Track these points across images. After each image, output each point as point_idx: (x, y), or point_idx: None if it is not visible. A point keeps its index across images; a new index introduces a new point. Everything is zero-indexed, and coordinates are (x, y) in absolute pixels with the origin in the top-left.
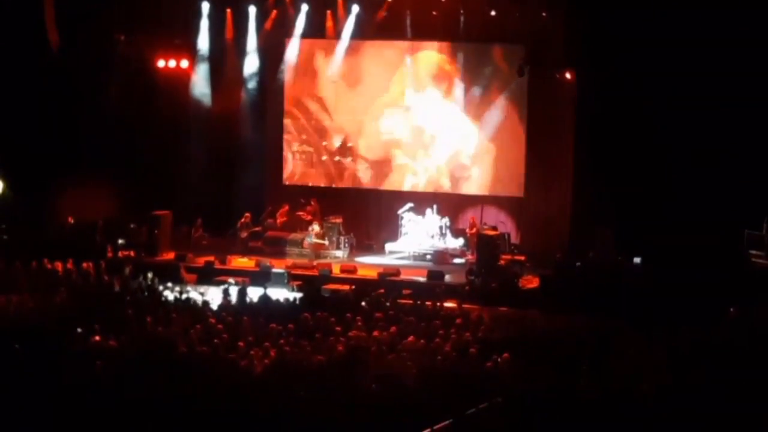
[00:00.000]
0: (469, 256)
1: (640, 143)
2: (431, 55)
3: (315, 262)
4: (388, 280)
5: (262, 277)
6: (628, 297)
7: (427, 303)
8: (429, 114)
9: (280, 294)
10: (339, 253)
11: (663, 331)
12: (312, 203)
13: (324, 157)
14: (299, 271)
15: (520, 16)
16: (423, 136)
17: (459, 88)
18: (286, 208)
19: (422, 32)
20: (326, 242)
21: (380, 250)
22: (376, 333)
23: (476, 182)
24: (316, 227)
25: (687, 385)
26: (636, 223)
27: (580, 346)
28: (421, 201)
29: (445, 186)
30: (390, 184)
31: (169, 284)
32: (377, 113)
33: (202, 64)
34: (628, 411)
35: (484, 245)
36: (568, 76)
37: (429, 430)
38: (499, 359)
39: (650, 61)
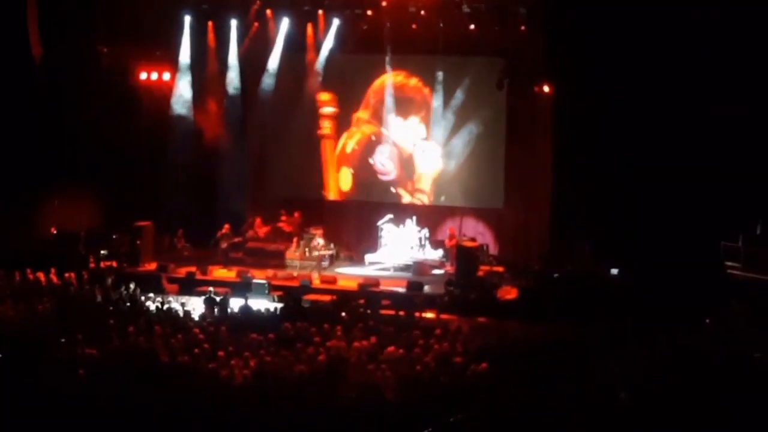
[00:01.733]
0: (448, 267)
1: (618, 156)
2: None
3: (295, 273)
4: (368, 290)
5: (243, 288)
6: (606, 307)
7: (407, 313)
8: (410, 135)
9: (261, 304)
10: (311, 263)
11: (640, 340)
12: (295, 215)
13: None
14: (280, 282)
15: (500, 30)
16: (413, 165)
17: (438, 101)
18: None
19: (402, 46)
20: (333, 251)
21: (360, 261)
22: (355, 343)
23: (455, 194)
24: (319, 239)
25: (664, 393)
26: (614, 234)
27: (559, 356)
28: (400, 212)
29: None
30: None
31: (151, 294)
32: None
33: (184, 75)
34: (606, 419)
35: (463, 256)
36: (546, 89)
37: None
38: (477, 369)
39: (628, 75)
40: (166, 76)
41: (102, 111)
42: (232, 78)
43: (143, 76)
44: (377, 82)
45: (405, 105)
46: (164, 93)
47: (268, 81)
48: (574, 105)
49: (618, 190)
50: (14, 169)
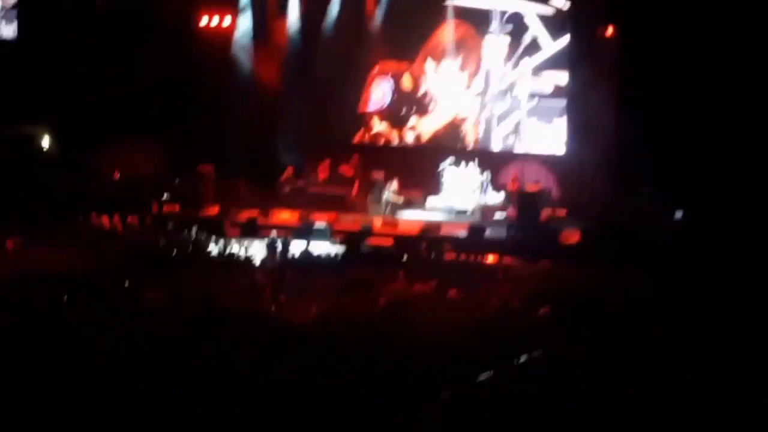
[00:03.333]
0: (510, 211)
1: (684, 98)
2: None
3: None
4: (430, 234)
5: (304, 232)
6: (670, 250)
7: (468, 257)
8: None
9: (322, 248)
10: (380, 208)
11: (704, 283)
12: (354, 158)
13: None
14: (342, 226)
15: None
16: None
17: (501, 47)
18: (328, 163)
19: None
20: (403, 200)
21: (421, 205)
22: (417, 287)
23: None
24: (394, 184)
25: (727, 334)
26: (678, 178)
27: (621, 299)
28: (462, 156)
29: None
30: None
31: (213, 238)
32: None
33: (245, 19)
34: (667, 361)
35: (526, 200)
36: (610, 31)
37: (469, 383)
38: (539, 313)
39: (695, 14)
40: (227, 20)
41: (164, 56)
42: (293, 20)
43: (204, 20)
44: (435, 36)
45: (453, 52)
46: (225, 37)
47: (329, 23)
48: (639, 47)
49: (683, 132)
50: (77, 114)
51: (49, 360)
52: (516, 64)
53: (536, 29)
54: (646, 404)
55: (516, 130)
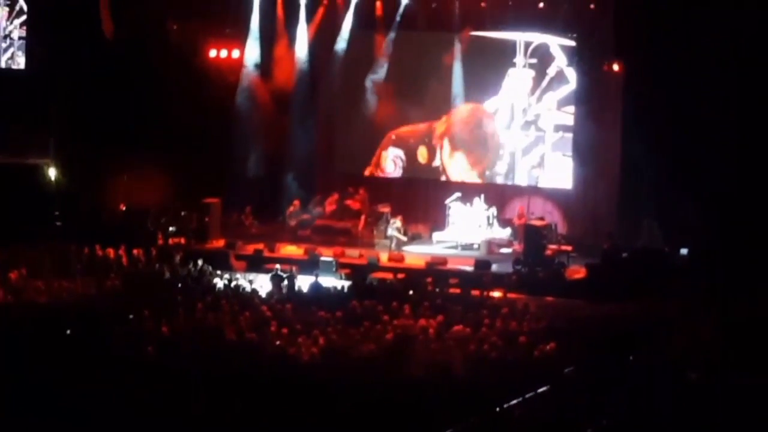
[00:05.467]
0: (516, 246)
1: (689, 135)
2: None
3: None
4: (436, 269)
5: (310, 265)
6: (674, 286)
7: (474, 292)
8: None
9: (328, 282)
10: (386, 242)
11: (711, 314)
12: (360, 192)
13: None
14: (348, 260)
15: (569, 7)
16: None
17: (509, 78)
18: (335, 196)
19: (471, 22)
20: (406, 239)
21: (428, 240)
22: (423, 321)
23: (524, 173)
24: (398, 222)
25: (736, 366)
26: (683, 214)
27: (628, 333)
28: (468, 191)
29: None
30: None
31: (219, 272)
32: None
33: (253, 52)
34: (676, 394)
35: (531, 235)
36: (615, 67)
37: (476, 418)
38: (545, 349)
39: (699, 52)
40: (236, 53)
41: (171, 87)
42: (301, 54)
43: (212, 53)
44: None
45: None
46: (233, 69)
47: (337, 56)
48: (644, 83)
49: (688, 169)
50: (84, 144)
51: (52, 394)
52: (540, 98)
53: (561, 62)
54: None
55: (541, 164)
